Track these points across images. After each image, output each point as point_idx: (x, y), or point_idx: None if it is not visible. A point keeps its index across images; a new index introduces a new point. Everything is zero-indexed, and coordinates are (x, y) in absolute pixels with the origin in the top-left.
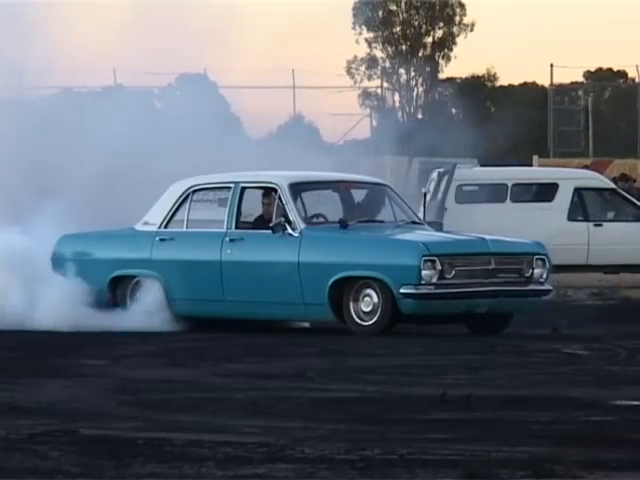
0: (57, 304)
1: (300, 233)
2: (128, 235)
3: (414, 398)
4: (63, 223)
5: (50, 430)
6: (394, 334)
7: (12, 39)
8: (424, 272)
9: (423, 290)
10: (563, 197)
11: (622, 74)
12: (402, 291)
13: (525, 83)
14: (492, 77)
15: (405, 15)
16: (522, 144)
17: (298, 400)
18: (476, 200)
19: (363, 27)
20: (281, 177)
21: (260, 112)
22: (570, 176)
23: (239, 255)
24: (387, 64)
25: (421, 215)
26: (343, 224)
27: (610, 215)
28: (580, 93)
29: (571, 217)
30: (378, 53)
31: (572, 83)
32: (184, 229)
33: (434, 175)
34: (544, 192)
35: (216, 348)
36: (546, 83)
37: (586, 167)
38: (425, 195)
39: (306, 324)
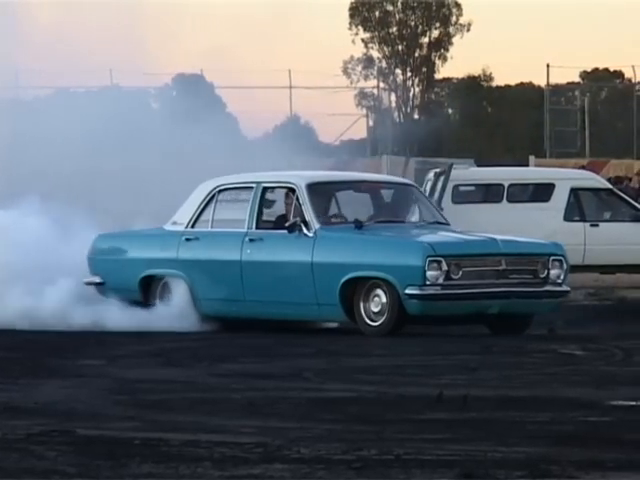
0: (86, 304)
1: (315, 233)
2: (157, 235)
3: (410, 398)
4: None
5: (47, 430)
6: (391, 334)
7: (8, 39)
8: (429, 273)
9: (429, 291)
10: (559, 197)
11: (618, 74)
12: (407, 292)
13: (521, 83)
14: (488, 77)
15: (401, 15)
16: (518, 144)
17: (295, 400)
18: (472, 200)
19: (359, 27)
20: (300, 177)
21: (256, 112)
22: (566, 176)
23: (258, 255)
24: (383, 64)
25: None
26: (358, 224)
27: (606, 215)
28: (576, 93)
29: (567, 217)
30: (374, 53)
31: (568, 83)
32: (209, 229)
33: (430, 175)
34: (540, 192)
35: (212, 348)
36: (542, 83)
37: (582, 167)
38: None
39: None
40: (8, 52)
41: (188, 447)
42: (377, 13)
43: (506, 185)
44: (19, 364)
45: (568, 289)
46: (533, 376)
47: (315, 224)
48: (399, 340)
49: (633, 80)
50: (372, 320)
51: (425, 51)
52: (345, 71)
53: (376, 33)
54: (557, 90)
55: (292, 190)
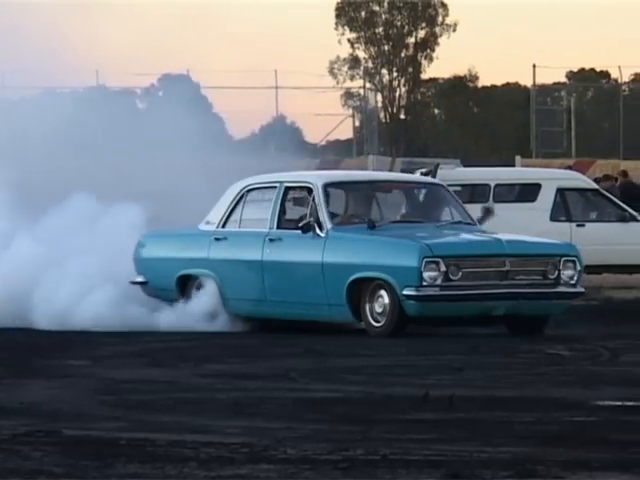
0: (118, 305)
1: (326, 233)
2: (191, 235)
3: (397, 398)
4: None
5: (32, 430)
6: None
7: None
8: (425, 274)
9: (426, 292)
10: (546, 197)
11: (605, 74)
12: (405, 293)
13: (507, 83)
14: (474, 77)
15: (387, 15)
16: (504, 144)
17: (280, 400)
18: None
19: (346, 27)
20: (317, 177)
21: (243, 112)
22: (553, 176)
23: (276, 255)
24: (369, 64)
25: None
26: (371, 225)
27: (593, 215)
28: (563, 93)
29: (554, 217)
30: (360, 53)
31: (555, 83)
32: (237, 229)
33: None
34: (527, 192)
35: (197, 349)
36: (529, 83)
37: (569, 167)
38: None
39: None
40: None
41: (174, 447)
42: (363, 13)
43: (492, 185)
44: (4, 364)
45: (582, 290)
46: (519, 376)
47: (328, 224)
48: (385, 341)
49: (619, 80)
50: (377, 321)
51: (411, 51)
52: (331, 71)
53: (362, 33)
54: (543, 90)
55: (310, 190)
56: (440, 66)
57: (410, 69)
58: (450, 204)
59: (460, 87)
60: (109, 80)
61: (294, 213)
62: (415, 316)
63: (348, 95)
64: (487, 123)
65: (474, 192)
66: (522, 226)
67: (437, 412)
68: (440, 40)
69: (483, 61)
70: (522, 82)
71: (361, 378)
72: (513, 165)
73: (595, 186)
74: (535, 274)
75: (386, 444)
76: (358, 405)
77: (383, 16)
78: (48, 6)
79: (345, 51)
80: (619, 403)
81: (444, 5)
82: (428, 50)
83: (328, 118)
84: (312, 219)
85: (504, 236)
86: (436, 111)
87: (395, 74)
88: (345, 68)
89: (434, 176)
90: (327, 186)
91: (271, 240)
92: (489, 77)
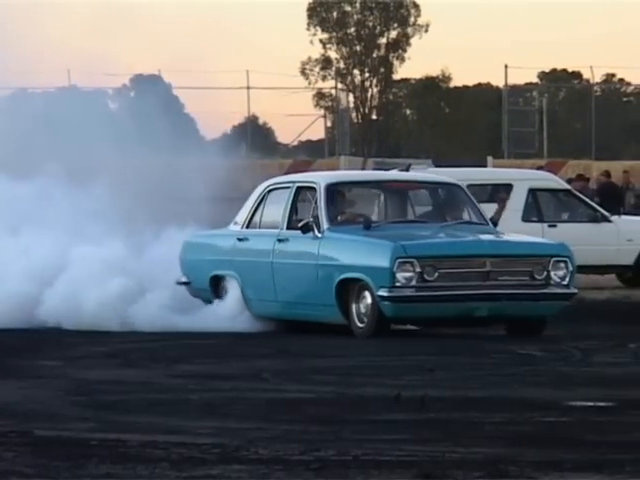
0: (150, 307)
1: (322, 234)
2: (222, 235)
3: (368, 399)
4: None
5: (4, 431)
6: (349, 335)
7: None
8: (399, 274)
9: (401, 293)
10: (517, 198)
11: (577, 75)
12: (379, 294)
13: (479, 84)
14: (446, 78)
15: (359, 16)
16: (476, 145)
17: (252, 401)
18: None
19: (317, 28)
20: (322, 177)
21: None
22: (524, 177)
23: (282, 256)
24: (341, 65)
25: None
26: (367, 225)
27: (564, 216)
28: (535, 94)
29: (525, 218)
30: (332, 54)
31: (527, 84)
32: (257, 229)
33: None
34: (499, 193)
35: (169, 349)
36: (500, 84)
37: (540, 168)
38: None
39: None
40: None
41: (146, 448)
42: (335, 14)
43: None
44: None
45: (575, 291)
46: (491, 377)
47: (325, 224)
48: (356, 341)
49: (591, 81)
50: (362, 322)
51: (383, 52)
52: (303, 72)
53: (334, 34)
54: (515, 91)
55: (314, 190)
56: (412, 67)
57: (382, 69)
58: (462, 204)
59: (432, 87)
60: (81, 80)
61: (304, 214)
62: (392, 317)
63: (320, 95)
64: (459, 123)
65: None
66: None
67: (409, 413)
68: (412, 41)
69: (455, 61)
70: (494, 82)
71: (333, 379)
72: (485, 165)
73: (567, 186)
74: (521, 275)
75: (358, 444)
76: (330, 406)
77: (355, 16)
78: (18, 6)
79: (317, 51)
80: (591, 404)
81: (416, 6)
82: (400, 50)
83: (300, 118)
84: (312, 219)
85: (486, 237)
86: (408, 111)
87: (367, 74)
88: (317, 68)
89: None
90: (330, 186)
91: (279, 241)
92: (461, 77)
